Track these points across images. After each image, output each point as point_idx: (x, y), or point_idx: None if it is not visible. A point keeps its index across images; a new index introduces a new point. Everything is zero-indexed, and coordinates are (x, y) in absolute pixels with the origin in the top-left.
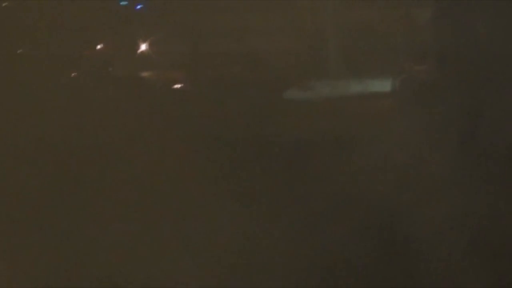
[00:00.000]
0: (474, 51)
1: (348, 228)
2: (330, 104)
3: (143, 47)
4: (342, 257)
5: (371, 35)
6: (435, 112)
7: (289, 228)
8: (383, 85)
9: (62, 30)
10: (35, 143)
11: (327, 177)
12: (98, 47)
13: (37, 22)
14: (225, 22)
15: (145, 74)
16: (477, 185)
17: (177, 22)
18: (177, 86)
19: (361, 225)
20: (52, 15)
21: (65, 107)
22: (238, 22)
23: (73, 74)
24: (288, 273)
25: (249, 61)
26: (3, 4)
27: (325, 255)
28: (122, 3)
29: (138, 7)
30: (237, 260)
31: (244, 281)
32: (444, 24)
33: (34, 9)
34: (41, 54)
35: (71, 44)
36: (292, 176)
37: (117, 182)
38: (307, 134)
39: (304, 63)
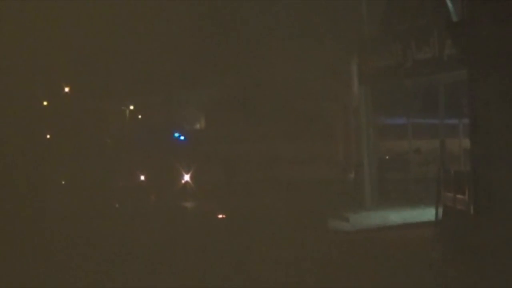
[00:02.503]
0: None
1: None
2: (368, 234)
3: (184, 178)
4: None
5: (407, 166)
6: (474, 241)
7: None
8: (421, 216)
9: (103, 163)
10: None
11: None
12: (141, 178)
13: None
14: (264, 152)
15: (184, 204)
16: None
17: (216, 153)
18: (215, 216)
19: None
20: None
21: (106, 238)
22: (276, 152)
23: (116, 205)
24: None
25: (283, 189)
26: None
27: None
28: (165, 134)
29: (181, 138)
30: None
31: None
32: (482, 154)
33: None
34: (86, 185)
35: (110, 176)
36: None
37: None
38: (345, 264)
39: (341, 194)
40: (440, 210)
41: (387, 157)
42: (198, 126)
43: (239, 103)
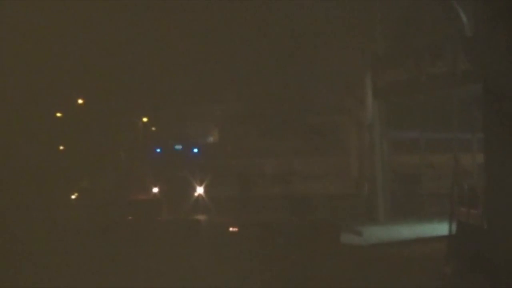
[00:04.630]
0: None
1: None
2: (382, 249)
3: (197, 191)
4: None
5: (421, 180)
6: (488, 256)
7: None
8: (435, 230)
9: (116, 176)
10: None
11: None
12: (154, 190)
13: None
14: (278, 167)
15: (197, 218)
16: None
17: (229, 166)
18: (228, 229)
19: None
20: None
21: (119, 251)
22: (290, 166)
23: (129, 217)
24: None
25: (297, 204)
26: None
27: None
28: (177, 147)
29: (194, 150)
30: None
31: None
32: (496, 169)
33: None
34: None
35: (123, 189)
36: None
37: None
38: (360, 278)
39: (355, 208)
40: (454, 225)
41: (424, 168)
42: (211, 139)
43: (253, 117)
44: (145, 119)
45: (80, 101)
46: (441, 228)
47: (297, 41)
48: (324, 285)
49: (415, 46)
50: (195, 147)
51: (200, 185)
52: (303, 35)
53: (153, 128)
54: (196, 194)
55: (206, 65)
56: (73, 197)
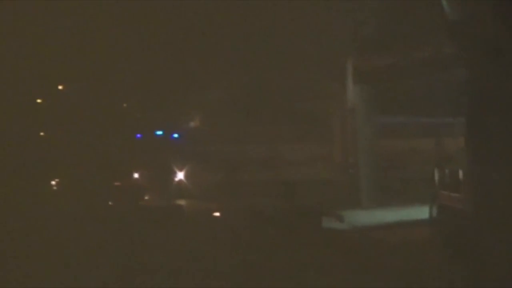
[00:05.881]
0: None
1: None
2: (365, 233)
3: (178, 176)
4: None
5: (403, 164)
6: (472, 240)
7: None
8: (417, 214)
9: (97, 162)
10: None
11: None
12: (135, 176)
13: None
14: (259, 152)
15: (179, 203)
16: None
17: (211, 152)
18: (212, 215)
19: None
20: (85, 149)
21: (100, 237)
22: (272, 152)
23: (110, 203)
24: None
25: (283, 190)
26: None
27: None
28: (158, 133)
29: (174, 136)
30: None
31: None
32: (477, 153)
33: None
34: (75, 189)
35: (104, 175)
36: None
37: None
38: (342, 264)
39: (338, 193)
40: (435, 209)
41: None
42: (192, 124)
43: (235, 103)
44: (125, 105)
45: (60, 87)
46: (424, 212)
47: (281, 27)
48: (305, 270)
49: (400, 30)
50: (175, 133)
51: (181, 170)
52: (287, 21)
53: (134, 114)
54: (176, 179)
55: (191, 51)
56: (53, 183)
